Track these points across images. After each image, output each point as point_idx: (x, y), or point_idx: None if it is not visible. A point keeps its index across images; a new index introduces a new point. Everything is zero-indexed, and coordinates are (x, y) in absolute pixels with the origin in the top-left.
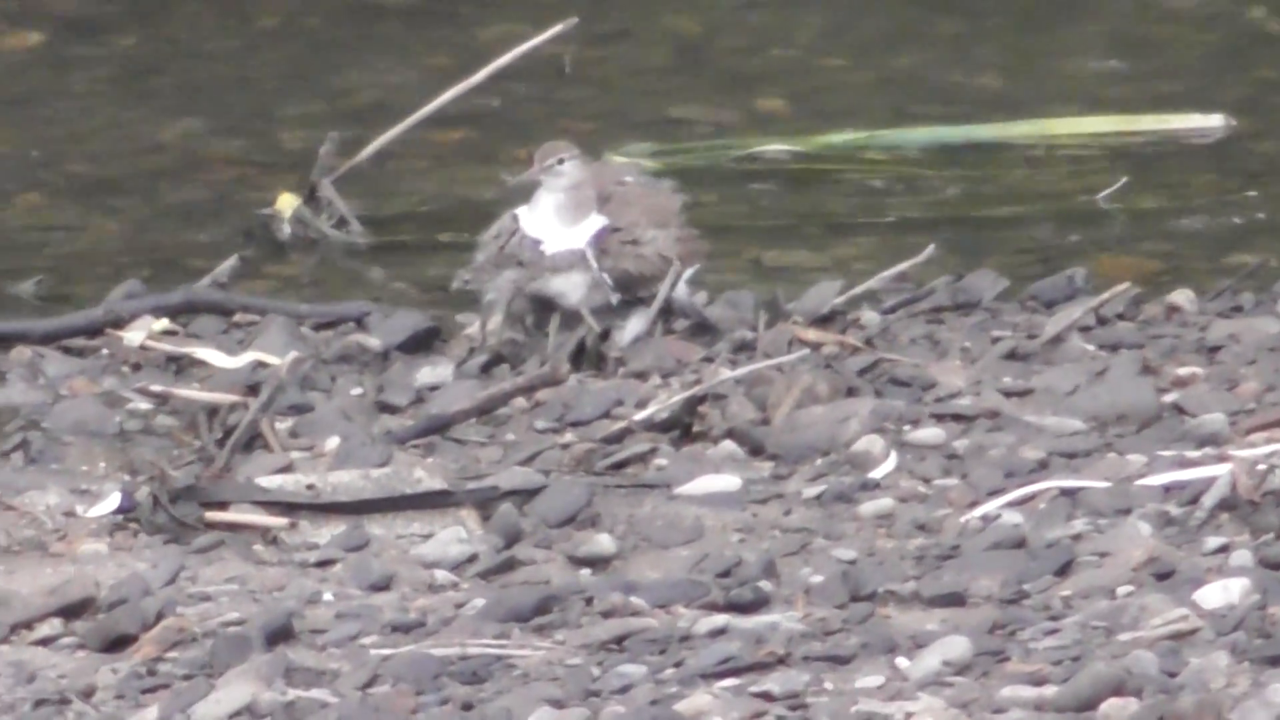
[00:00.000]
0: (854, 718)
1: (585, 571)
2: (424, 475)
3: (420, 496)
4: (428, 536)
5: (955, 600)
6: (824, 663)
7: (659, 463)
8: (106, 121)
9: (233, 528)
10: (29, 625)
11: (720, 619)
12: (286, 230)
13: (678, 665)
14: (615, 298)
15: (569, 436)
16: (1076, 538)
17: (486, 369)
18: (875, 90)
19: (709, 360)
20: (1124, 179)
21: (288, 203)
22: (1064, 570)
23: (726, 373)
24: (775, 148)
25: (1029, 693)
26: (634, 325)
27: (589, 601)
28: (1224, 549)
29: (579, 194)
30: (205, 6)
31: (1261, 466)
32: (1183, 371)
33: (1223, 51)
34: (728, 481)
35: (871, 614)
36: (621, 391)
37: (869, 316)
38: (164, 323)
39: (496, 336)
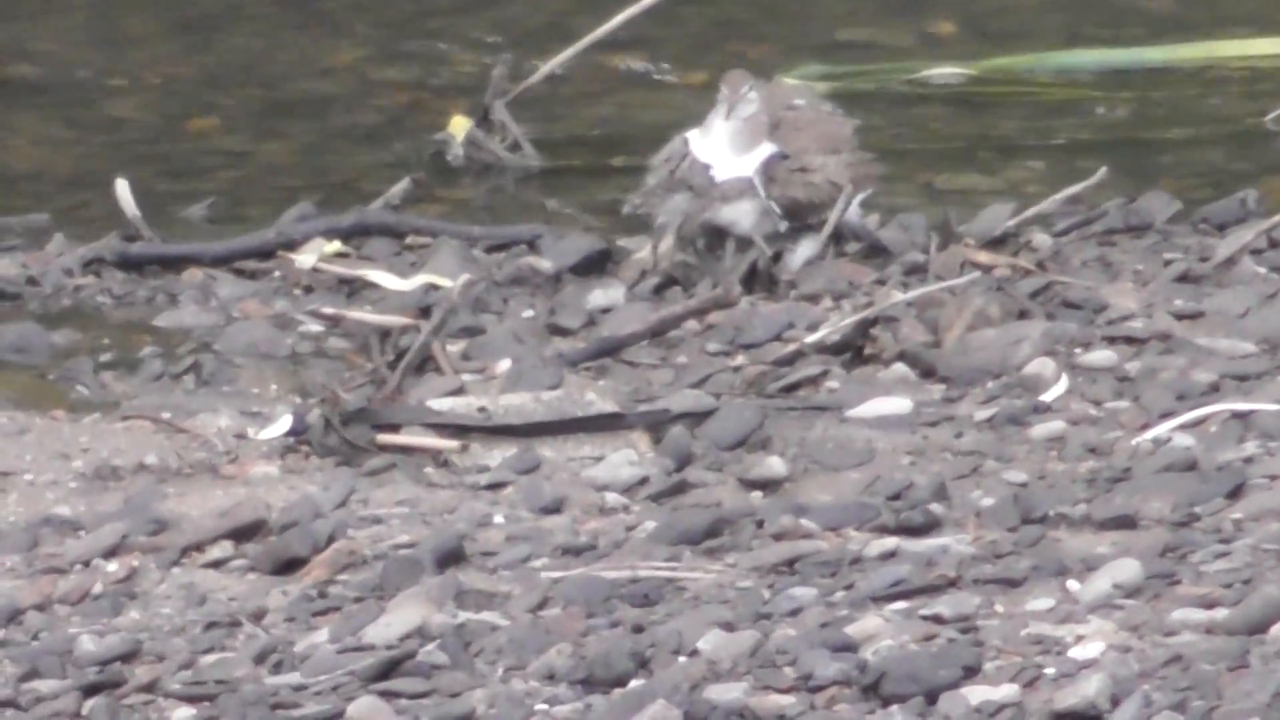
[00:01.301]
0: (1025, 640)
1: (756, 494)
2: (595, 398)
3: (591, 419)
4: (599, 459)
5: (1126, 523)
6: (995, 585)
7: (830, 385)
8: (277, 45)
9: (404, 450)
10: (200, 548)
11: (891, 542)
12: (459, 154)
13: (848, 588)
14: (784, 225)
15: (740, 359)
16: (1248, 460)
17: (658, 291)
18: (1046, 12)
19: (881, 283)
20: None
21: (460, 125)
22: (1235, 493)
23: (898, 295)
24: (946, 70)
25: (1200, 615)
26: (805, 248)
27: (760, 524)
28: None
29: (754, 121)
30: None
31: None
32: None
33: None
34: (899, 404)
35: (1042, 537)
36: (793, 314)
37: (1041, 239)
38: (336, 245)
39: (668, 259)
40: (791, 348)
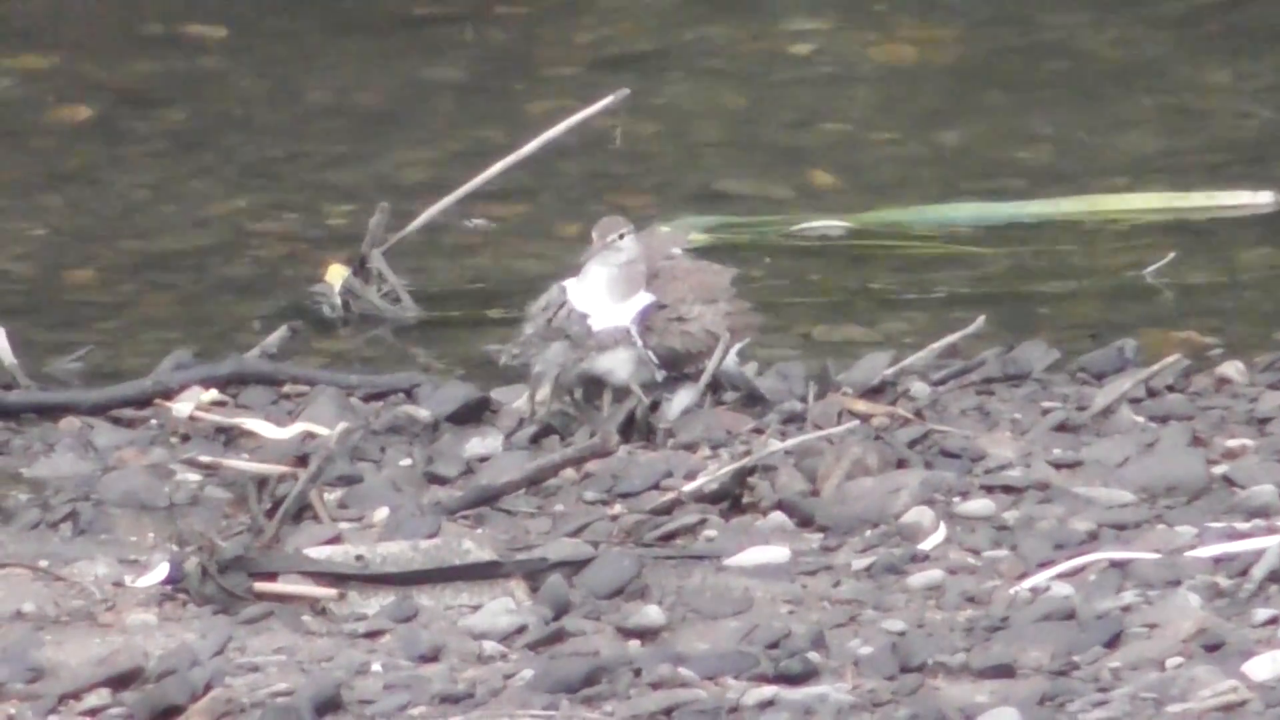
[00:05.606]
0: None
1: (634, 643)
2: (473, 546)
3: (469, 567)
4: (476, 607)
5: (1005, 672)
6: None
7: (708, 534)
8: (156, 196)
9: (281, 598)
10: (77, 696)
11: (769, 690)
12: (336, 302)
13: None
14: (661, 374)
15: (618, 508)
16: (1126, 609)
17: (536, 440)
18: (924, 165)
19: (758, 431)
20: (1171, 254)
21: (337, 274)
22: (1113, 642)
23: (776, 444)
24: (825, 223)
25: None
26: (683, 397)
27: (637, 673)
28: (1273, 620)
29: (631, 270)
30: (256, 81)
31: None
32: (1232, 443)
33: (1273, 126)
34: (777, 553)
35: (921, 685)
36: (671, 463)
37: (919, 388)
38: (213, 393)
39: (545, 408)
40: (669, 496)
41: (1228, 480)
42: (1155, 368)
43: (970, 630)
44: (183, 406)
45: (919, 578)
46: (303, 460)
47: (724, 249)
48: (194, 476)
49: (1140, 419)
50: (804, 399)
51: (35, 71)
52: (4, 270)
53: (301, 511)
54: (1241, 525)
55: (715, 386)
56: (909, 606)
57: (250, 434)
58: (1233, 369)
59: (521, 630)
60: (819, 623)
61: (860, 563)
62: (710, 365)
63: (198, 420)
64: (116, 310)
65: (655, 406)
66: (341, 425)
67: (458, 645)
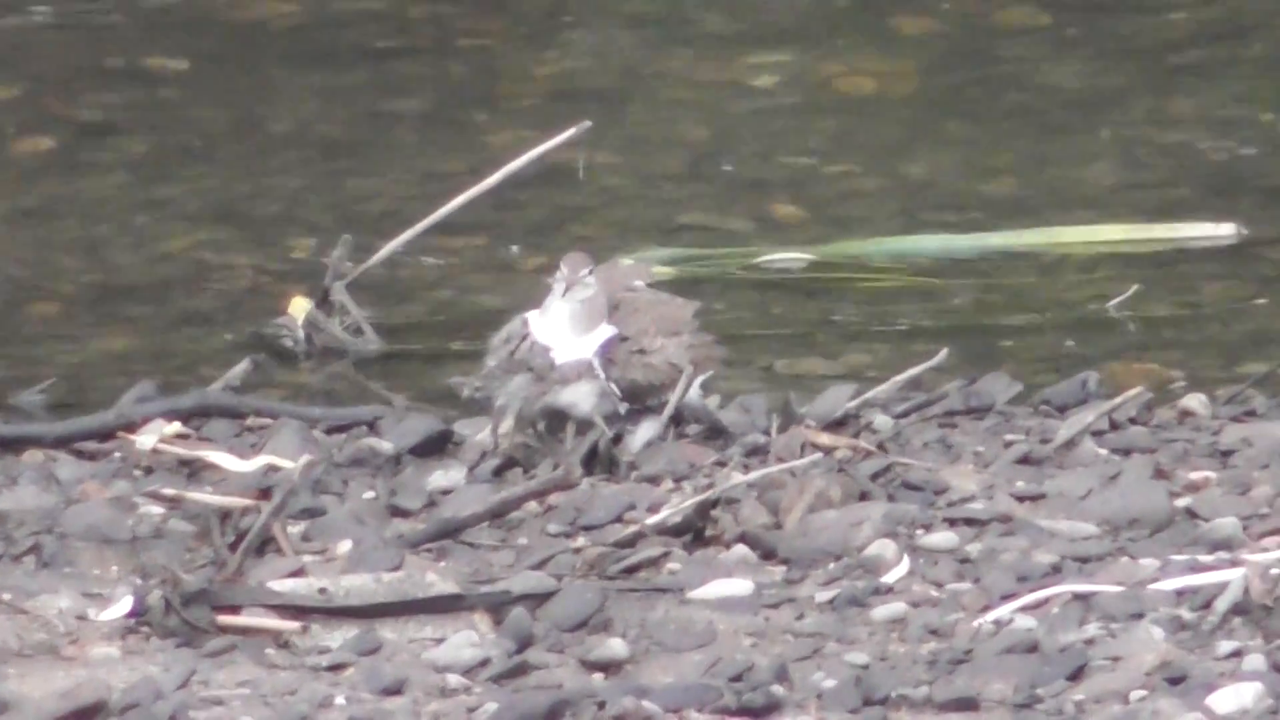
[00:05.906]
0: None
1: (597, 676)
2: (436, 579)
3: (432, 600)
4: (440, 640)
5: (968, 705)
6: None
7: (671, 567)
8: (118, 228)
9: (245, 631)
10: None
11: None
12: (299, 335)
13: None
14: (624, 406)
15: (581, 540)
16: (1089, 642)
17: (499, 473)
18: (887, 197)
19: (721, 464)
20: (1134, 287)
21: (300, 307)
22: (1077, 675)
23: (739, 477)
24: (787, 255)
25: None
26: (646, 430)
27: (601, 706)
28: (1237, 653)
29: (593, 303)
30: (218, 112)
31: (1274, 571)
32: (1195, 476)
33: (1234, 158)
34: (740, 585)
35: (884, 719)
36: (634, 495)
37: (881, 420)
38: (176, 426)
39: (508, 441)
40: (632, 529)
41: (1190, 513)
42: (1118, 400)
43: (933, 663)
44: (146, 439)
45: (882, 610)
46: (266, 493)
47: (686, 282)
48: (157, 509)
49: (1103, 452)
50: (766, 431)
51: None
52: None
53: (264, 544)
54: (1204, 558)
55: (678, 419)
56: (872, 639)
57: (213, 467)
58: (1196, 401)
59: (485, 663)
60: (782, 655)
61: (823, 595)
62: (673, 398)
63: (161, 453)
64: (79, 343)
65: (618, 439)
66: (304, 458)
67: (421, 678)
